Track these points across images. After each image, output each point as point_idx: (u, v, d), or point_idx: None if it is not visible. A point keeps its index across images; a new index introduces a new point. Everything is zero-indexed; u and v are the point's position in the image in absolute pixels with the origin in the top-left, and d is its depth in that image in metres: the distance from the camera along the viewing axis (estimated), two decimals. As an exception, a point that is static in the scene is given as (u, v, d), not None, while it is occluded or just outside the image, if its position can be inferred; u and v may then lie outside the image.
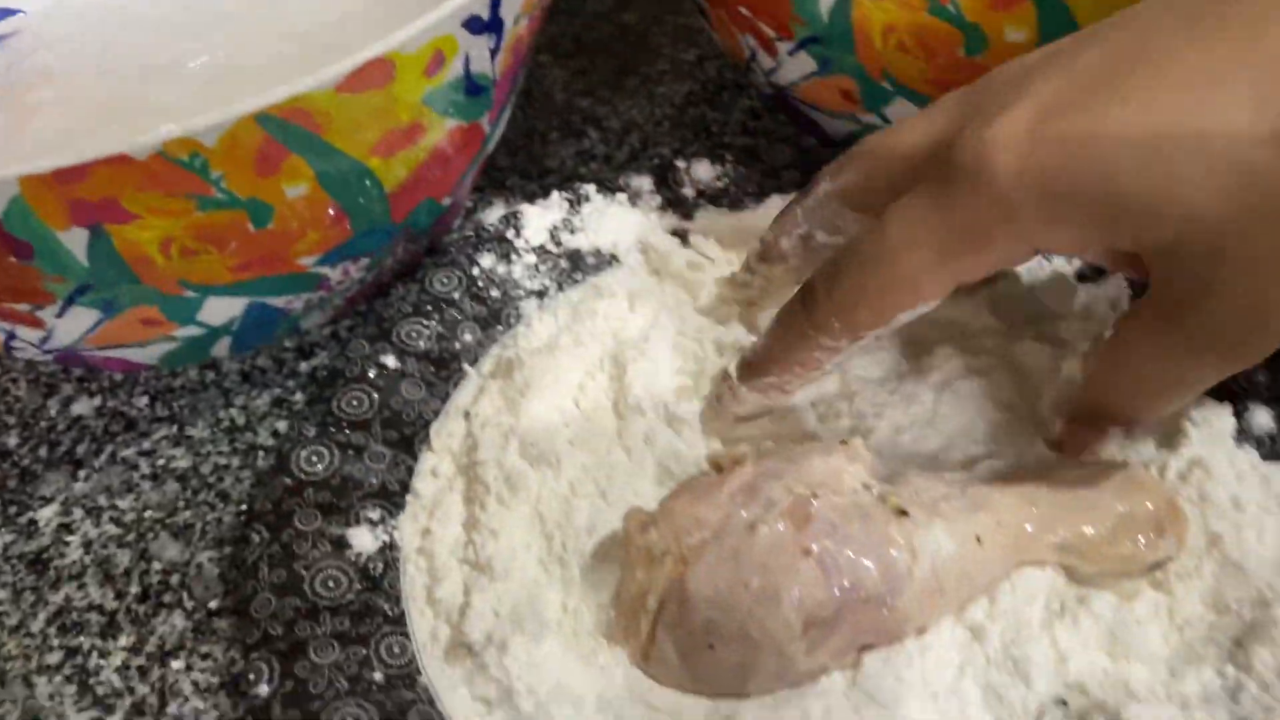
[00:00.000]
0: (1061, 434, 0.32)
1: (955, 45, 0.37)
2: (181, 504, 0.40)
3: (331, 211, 0.36)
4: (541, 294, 0.42)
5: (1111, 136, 0.25)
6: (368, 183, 0.36)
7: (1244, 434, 0.34)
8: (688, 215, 0.44)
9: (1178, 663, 0.30)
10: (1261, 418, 0.34)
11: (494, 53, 0.36)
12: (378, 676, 0.32)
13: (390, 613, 0.33)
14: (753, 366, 0.34)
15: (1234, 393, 0.35)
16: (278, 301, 0.39)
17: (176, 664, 0.35)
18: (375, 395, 0.38)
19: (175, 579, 0.38)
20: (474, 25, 0.34)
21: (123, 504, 0.40)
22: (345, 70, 0.31)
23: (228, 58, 0.49)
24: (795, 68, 0.43)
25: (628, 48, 0.57)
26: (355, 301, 0.43)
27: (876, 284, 0.30)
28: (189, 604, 0.37)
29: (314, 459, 0.36)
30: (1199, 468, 0.32)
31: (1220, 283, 0.26)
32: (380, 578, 0.34)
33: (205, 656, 0.36)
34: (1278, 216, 0.24)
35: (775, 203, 0.43)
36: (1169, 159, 0.25)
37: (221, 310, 0.38)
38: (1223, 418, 0.34)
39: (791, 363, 0.33)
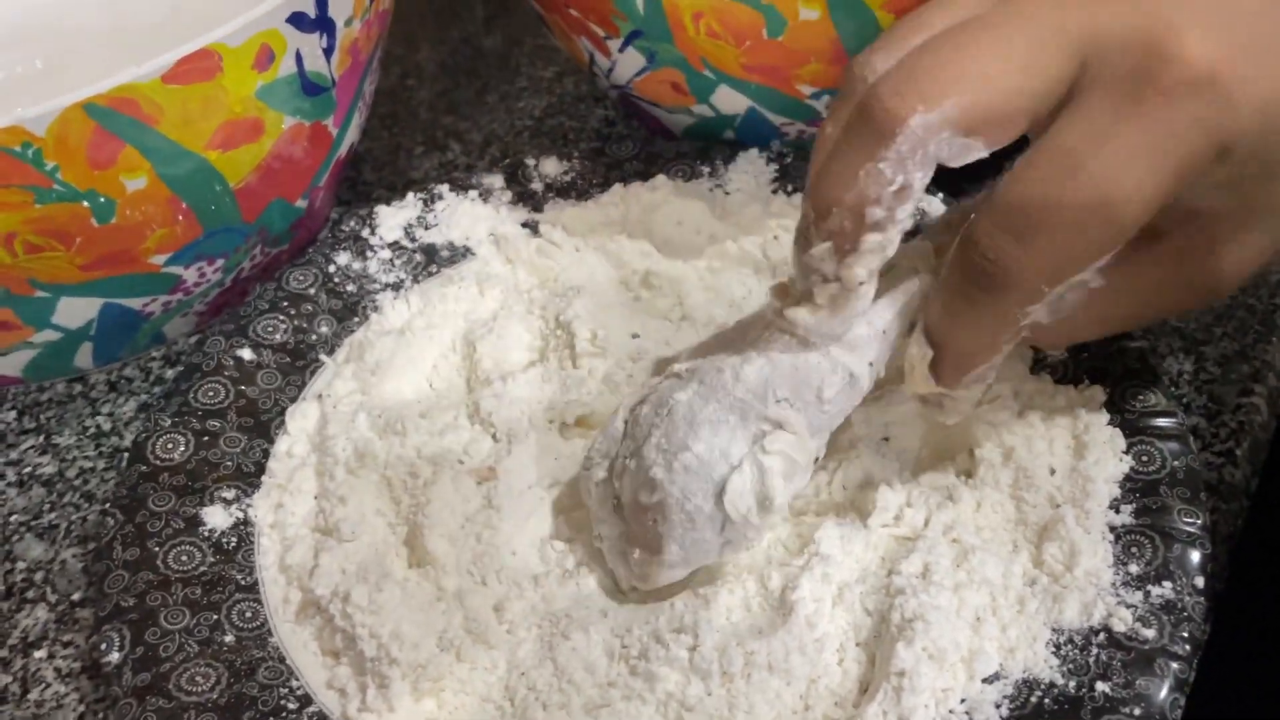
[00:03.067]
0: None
1: (759, 27, 0.40)
2: (47, 507, 0.40)
3: (175, 207, 0.37)
4: (397, 286, 0.44)
5: None
6: (210, 177, 0.37)
7: (1040, 363, 0.37)
8: (537, 208, 0.46)
9: (987, 555, 0.32)
10: (1055, 346, 0.37)
11: (328, 52, 0.39)
12: (228, 639, 0.33)
13: (243, 581, 0.34)
14: (954, 368, 0.29)
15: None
16: (134, 303, 0.40)
17: (39, 653, 0.36)
18: (231, 386, 0.39)
19: (39, 576, 0.38)
20: (301, 22, 0.36)
21: (-12, 511, 0.40)
22: (170, 61, 0.33)
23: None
24: (628, 65, 0.45)
25: (490, 68, 0.60)
26: (219, 309, 0.45)
27: (1096, 237, 0.25)
28: (52, 598, 0.38)
29: (169, 446, 0.37)
30: (994, 391, 0.35)
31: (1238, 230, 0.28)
32: (234, 551, 0.35)
33: (67, 645, 0.36)
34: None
35: (618, 190, 0.45)
36: None
37: (76, 312, 0.39)
38: (1020, 350, 0.37)
39: (998, 346, 0.28)
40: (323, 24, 0.37)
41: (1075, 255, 0.26)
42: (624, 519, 0.32)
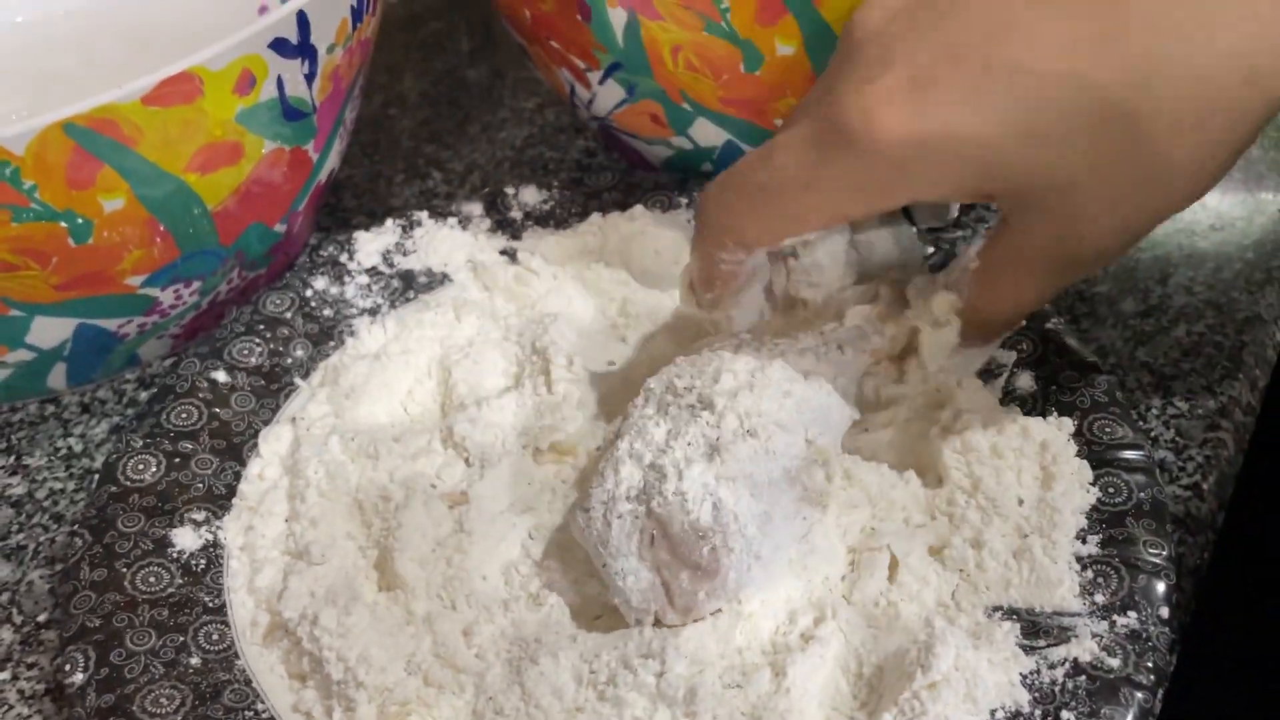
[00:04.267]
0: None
1: (736, 62, 0.41)
2: (15, 527, 0.40)
3: (153, 228, 0.37)
4: (374, 311, 0.44)
5: (984, 103, 0.28)
6: (188, 200, 0.38)
7: (1010, 395, 0.37)
8: (516, 236, 0.46)
9: (945, 593, 0.32)
10: (1024, 380, 0.37)
11: (309, 78, 0.39)
12: (194, 661, 0.32)
13: (211, 604, 0.34)
14: (691, 288, 0.37)
15: (1002, 363, 0.38)
16: (109, 324, 0.40)
17: (3, 675, 0.36)
18: (204, 408, 0.39)
19: (5, 597, 0.38)
20: (283, 48, 0.37)
21: (-45, 532, 0.40)
22: (151, 83, 0.33)
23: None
24: (608, 97, 0.46)
25: (472, 99, 0.61)
26: (195, 332, 0.45)
27: (769, 213, 0.32)
28: (18, 619, 0.37)
29: (140, 467, 0.37)
30: (964, 423, 0.35)
31: (1074, 211, 0.29)
32: (203, 573, 0.35)
33: (32, 666, 0.36)
34: (1124, 156, 0.28)
35: (596, 220, 0.46)
36: (1034, 117, 0.28)
37: (51, 332, 0.39)
38: (990, 383, 0.37)
39: (711, 279, 0.35)
40: (305, 50, 0.38)
41: (758, 224, 0.33)
42: (665, 549, 0.32)
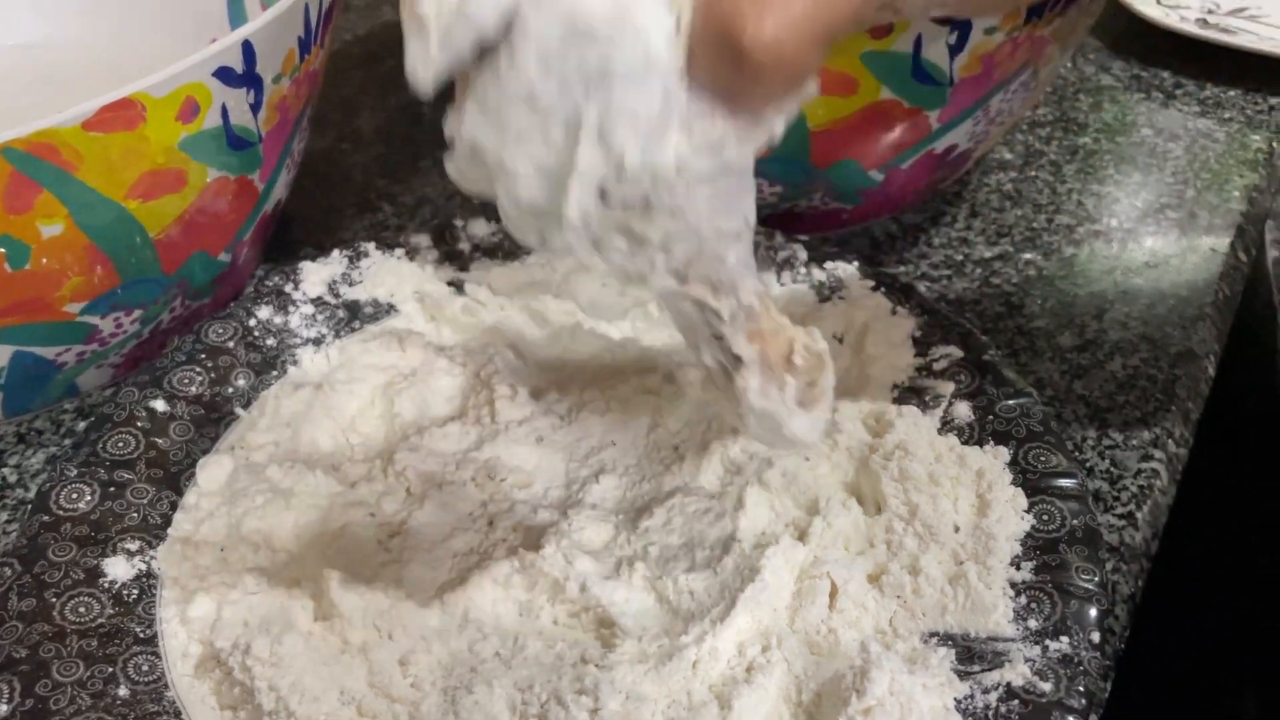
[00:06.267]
0: None
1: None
2: (-56, 559, 0.39)
3: (93, 255, 0.37)
4: (318, 341, 0.43)
5: None
6: (129, 227, 0.37)
7: (947, 424, 0.38)
8: (464, 268, 0.46)
9: (884, 619, 0.32)
10: (961, 410, 0.38)
11: (255, 108, 0.39)
12: (123, 692, 0.32)
13: (142, 634, 0.34)
14: None
15: (940, 394, 0.39)
16: (47, 352, 0.40)
17: (-77, 711, 0.35)
18: (142, 437, 0.39)
19: (-70, 630, 0.37)
20: (227, 77, 0.37)
21: (-120, 563, 0.39)
22: (92, 108, 0.33)
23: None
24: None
25: (426, 135, 0.61)
26: (136, 362, 0.44)
27: None
28: (-58, 653, 0.36)
29: (74, 496, 0.37)
30: (901, 450, 0.36)
31: None
32: (135, 603, 0.34)
33: (-46, 701, 0.35)
34: None
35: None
36: None
37: (-14, 359, 0.38)
38: (929, 413, 0.38)
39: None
40: (250, 80, 0.38)
41: None
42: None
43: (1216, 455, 0.45)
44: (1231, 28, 0.63)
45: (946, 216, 0.52)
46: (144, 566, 0.36)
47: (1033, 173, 0.55)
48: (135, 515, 0.37)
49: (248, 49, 0.37)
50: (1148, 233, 0.50)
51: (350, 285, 0.45)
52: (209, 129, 0.37)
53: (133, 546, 0.36)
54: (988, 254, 0.50)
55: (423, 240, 0.47)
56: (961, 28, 0.38)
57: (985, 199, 0.53)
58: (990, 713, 0.29)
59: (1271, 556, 0.46)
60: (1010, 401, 0.37)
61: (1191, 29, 0.62)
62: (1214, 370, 0.45)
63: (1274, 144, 0.56)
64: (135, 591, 0.35)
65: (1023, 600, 0.32)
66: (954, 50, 0.40)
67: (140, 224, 0.38)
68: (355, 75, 0.67)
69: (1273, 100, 0.59)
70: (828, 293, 0.43)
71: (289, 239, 0.53)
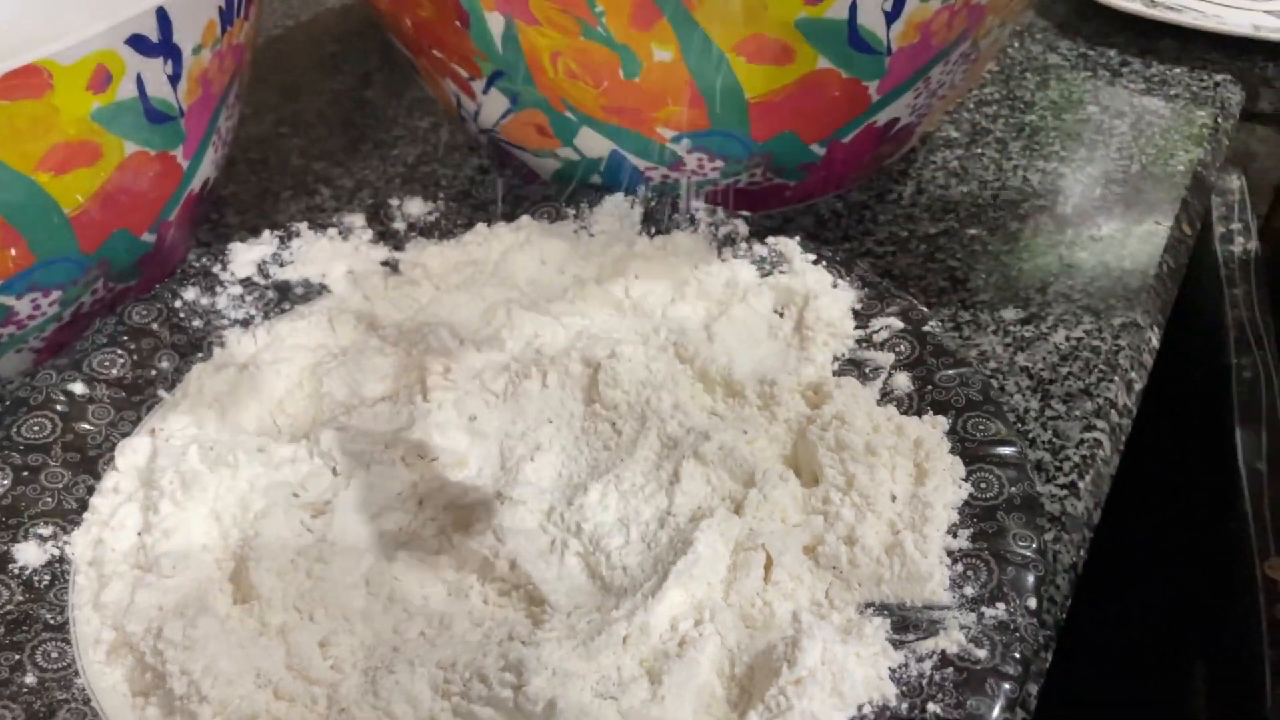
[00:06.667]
0: None
1: (615, 67, 0.41)
2: None
3: (5, 232, 0.36)
4: (246, 323, 0.42)
5: None
6: (42, 202, 0.36)
7: (887, 395, 0.37)
8: (399, 247, 0.45)
9: (819, 591, 0.32)
10: (901, 380, 0.37)
11: (174, 80, 0.38)
12: (29, 679, 0.31)
13: (52, 621, 0.32)
14: None
15: (880, 365, 0.38)
16: (-41, 334, 0.38)
17: None
18: (59, 421, 0.37)
19: None
20: (142, 45, 0.36)
21: None
22: (-7, 74, 0.32)
23: None
24: (493, 107, 0.46)
25: (366, 119, 0.60)
26: (59, 346, 0.43)
27: None
28: None
29: (-16, 481, 0.35)
30: (838, 421, 0.35)
31: None
32: (46, 589, 0.33)
33: None
34: None
35: (482, 230, 0.45)
36: None
37: (-107, 341, 0.37)
38: (868, 384, 0.37)
39: None
40: (167, 49, 0.37)
41: None
42: None
43: (1161, 427, 0.44)
44: (1177, 5, 0.63)
45: (892, 194, 0.52)
46: (57, 552, 0.34)
47: (979, 150, 0.54)
48: (49, 500, 0.35)
49: (162, 16, 0.36)
50: (1093, 207, 0.50)
51: (281, 266, 0.44)
52: (124, 99, 0.36)
53: (45, 531, 0.35)
54: (933, 230, 0.49)
55: (357, 220, 0.46)
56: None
57: (931, 176, 0.53)
58: (924, 681, 0.29)
59: (1216, 526, 0.46)
60: (950, 371, 0.37)
61: (1138, 7, 0.62)
62: (1158, 341, 0.44)
63: (1218, 120, 0.56)
64: (47, 577, 0.34)
65: (959, 568, 0.31)
66: (890, 17, 0.39)
67: (54, 199, 0.36)
68: (296, 60, 0.65)
69: (1218, 77, 0.59)
70: (769, 268, 0.43)
71: (223, 223, 0.52)
